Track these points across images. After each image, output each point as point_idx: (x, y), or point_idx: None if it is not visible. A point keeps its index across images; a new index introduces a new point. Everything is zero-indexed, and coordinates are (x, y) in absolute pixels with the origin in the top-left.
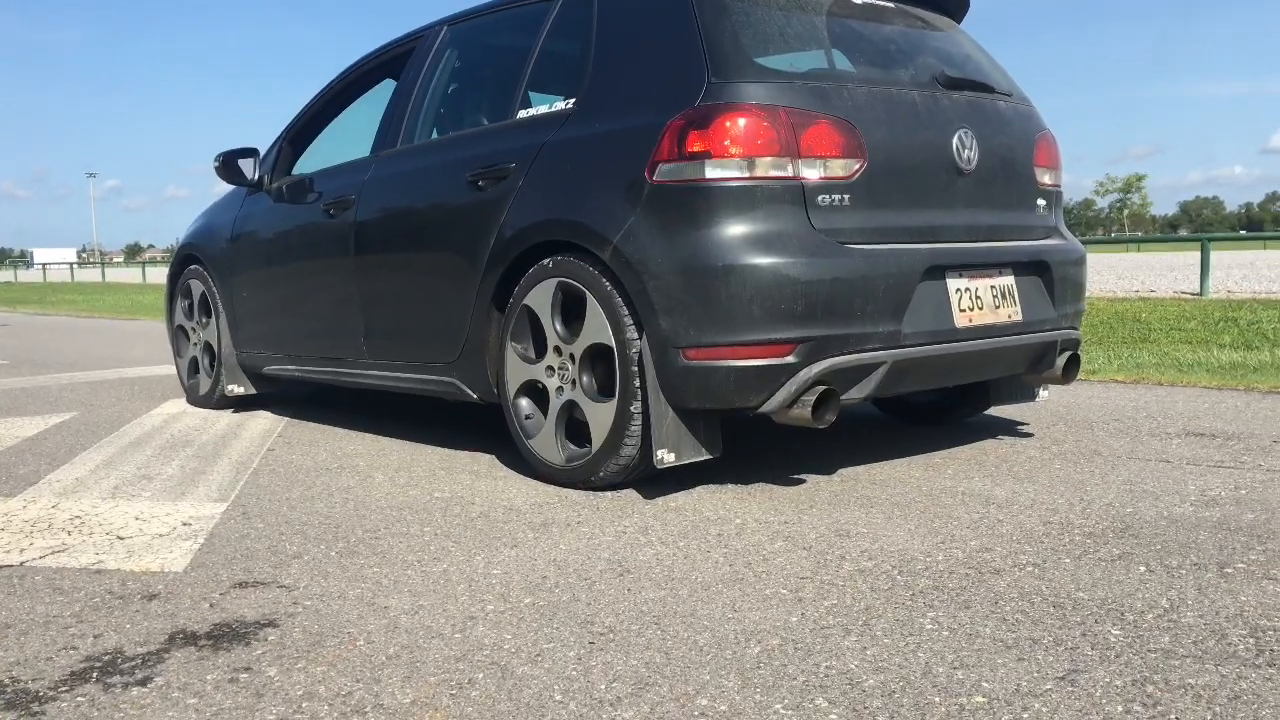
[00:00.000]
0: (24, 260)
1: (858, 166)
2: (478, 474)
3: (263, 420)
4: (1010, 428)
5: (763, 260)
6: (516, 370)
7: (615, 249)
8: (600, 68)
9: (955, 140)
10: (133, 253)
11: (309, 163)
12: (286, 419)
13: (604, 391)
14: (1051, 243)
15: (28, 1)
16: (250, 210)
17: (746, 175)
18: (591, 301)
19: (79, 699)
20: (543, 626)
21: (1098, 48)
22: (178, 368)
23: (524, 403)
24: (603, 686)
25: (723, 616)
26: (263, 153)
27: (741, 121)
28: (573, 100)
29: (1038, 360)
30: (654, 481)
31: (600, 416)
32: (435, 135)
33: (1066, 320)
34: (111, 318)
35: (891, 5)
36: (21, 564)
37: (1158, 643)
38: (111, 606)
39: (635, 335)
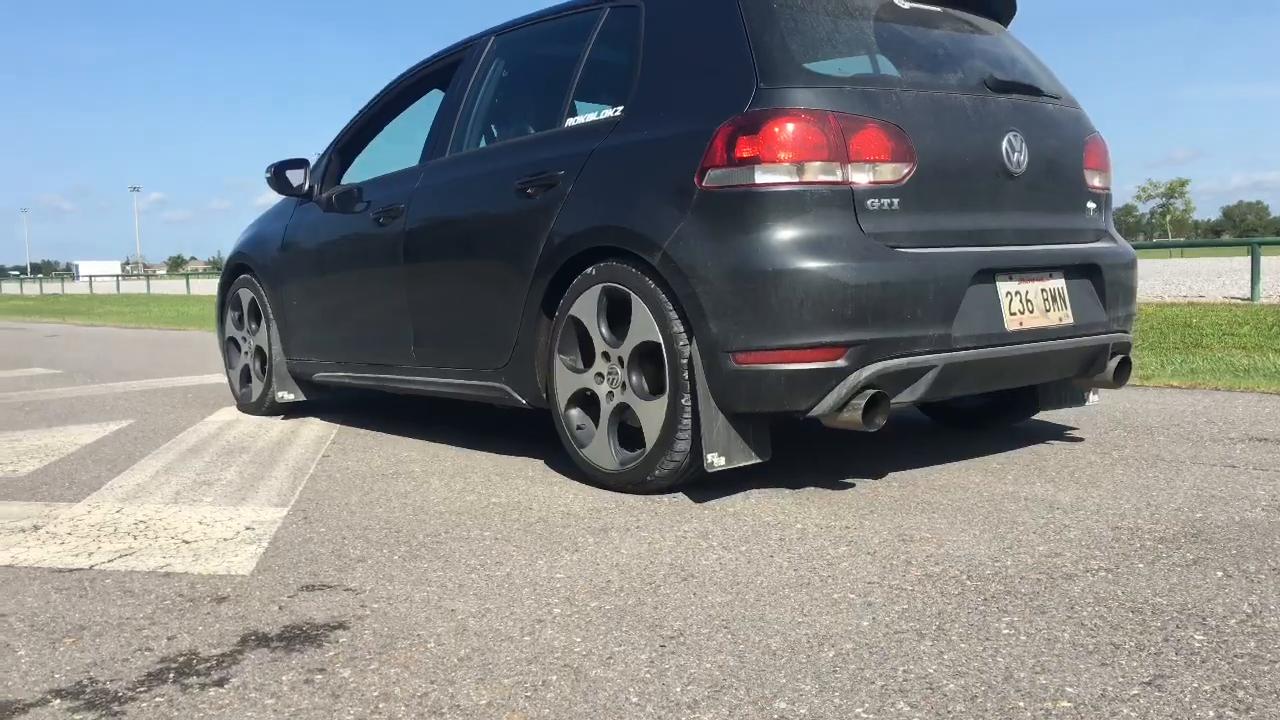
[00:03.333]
0: (69, 272)
1: (907, 170)
2: (532, 479)
3: (315, 427)
4: (1066, 433)
5: (812, 264)
6: (566, 381)
7: (665, 254)
8: (648, 75)
9: (1005, 143)
10: (175, 265)
11: (358, 173)
12: (339, 425)
13: (655, 390)
14: (1102, 245)
15: (71, 19)
16: (300, 220)
17: (796, 180)
18: (637, 302)
19: (158, 699)
20: (611, 630)
21: (1136, 48)
22: (229, 379)
23: (575, 413)
24: (678, 689)
25: (792, 621)
26: (313, 163)
27: (790, 127)
28: (621, 108)
29: (1089, 364)
30: (709, 486)
31: (652, 414)
32: (484, 144)
33: (1118, 324)
34: (159, 328)
35: (938, 9)
36: (91, 567)
37: (1244, 648)
38: (182, 609)
39: (685, 338)
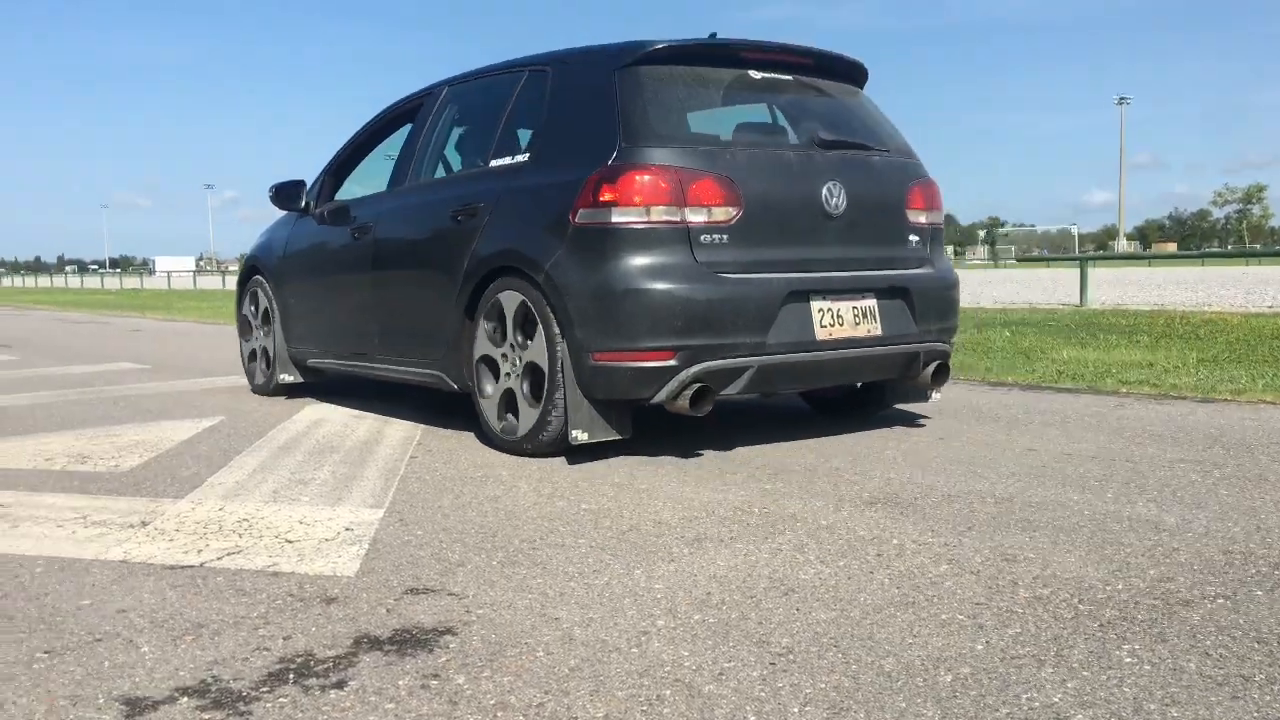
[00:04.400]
0: (146, 267)
1: (735, 213)
2: (619, 486)
3: (399, 428)
4: (1162, 447)
5: (653, 286)
6: (510, 350)
7: (547, 274)
8: (548, 129)
9: (824, 190)
10: None
11: (346, 192)
12: (423, 427)
13: (538, 379)
14: (917, 271)
15: (147, 20)
16: (298, 231)
17: (644, 220)
18: (528, 306)
19: (281, 700)
20: (718, 644)
21: (1213, 51)
22: (241, 353)
23: (488, 391)
24: (795, 709)
25: (902, 641)
26: (309, 183)
27: (641, 178)
28: (529, 154)
29: (906, 368)
30: (805, 497)
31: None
32: (435, 175)
33: (930, 336)
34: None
35: (789, 78)
36: (201, 564)
37: None
38: (294, 609)
39: (559, 337)
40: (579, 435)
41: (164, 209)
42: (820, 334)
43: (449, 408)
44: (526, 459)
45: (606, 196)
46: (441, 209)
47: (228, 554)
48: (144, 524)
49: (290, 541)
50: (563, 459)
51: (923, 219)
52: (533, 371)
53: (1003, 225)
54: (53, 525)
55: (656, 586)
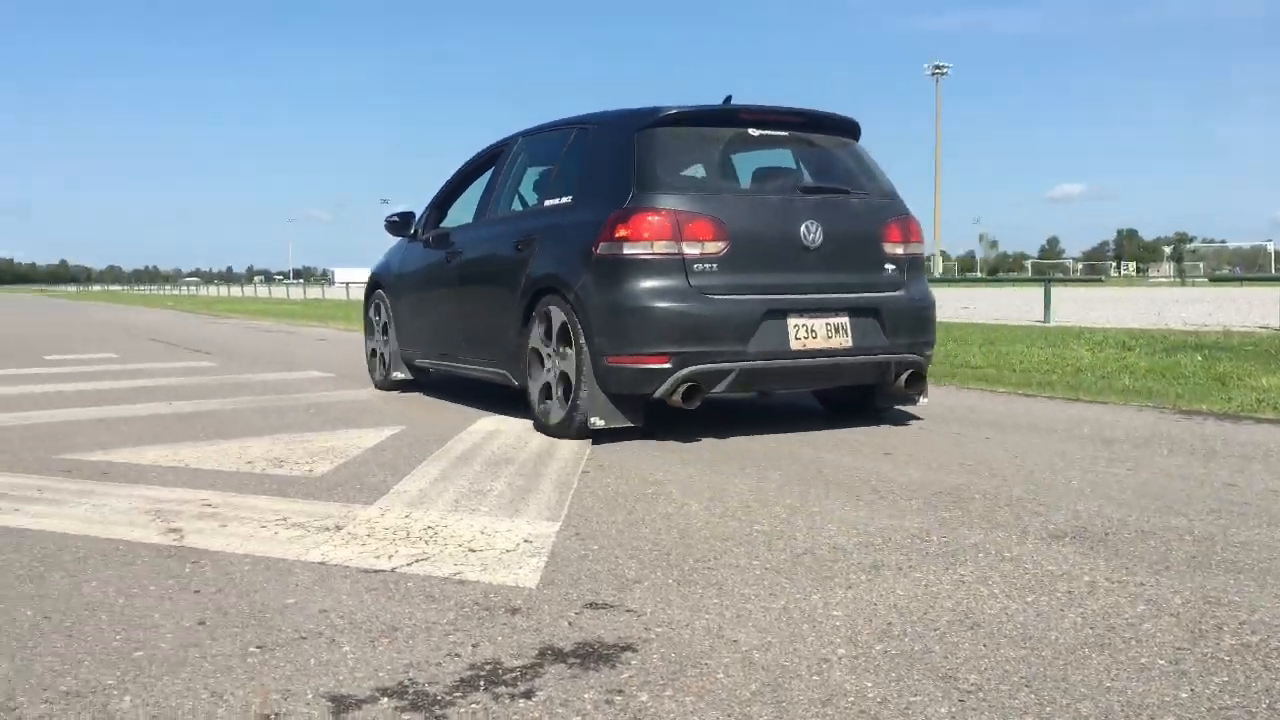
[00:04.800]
0: (326, 278)
1: (722, 246)
2: (791, 509)
3: (570, 444)
4: None
5: (654, 304)
6: (551, 353)
7: (575, 294)
8: (583, 177)
9: (803, 228)
10: None
11: (449, 221)
12: (590, 444)
13: (566, 375)
14: (890, 294)
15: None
16: (409, 254)
17: (649, 252)
18: (563, 319)
19: (473, 705)
20: (902, 677)
21: None
22: (365, 352)
23: (539, 372)
24: None
25: (1099, 685)
26: (418, 214)
27: (648, 219)
28: (570, 197)
29: (881, 375)
30: (986, 527)
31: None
32: (510, 209)
33: (901, 348)
34: None
35: (785, 134)
36: (392, 569)
37: None
38: (480, 617)
39: (584, 344)
40: (596, 422)
41: (344, 223)
42: (795, 344)
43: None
44: (695, 478)
45: (621, 233)
46: (508, 239)
47: (416, 560)
48: (338, 528)
49: (473, 551)
50: (734, 478)
51: (899, 250)
52: (563, 374)
53: (1191, 240)
54: (256, 525)
55: (835, 613)
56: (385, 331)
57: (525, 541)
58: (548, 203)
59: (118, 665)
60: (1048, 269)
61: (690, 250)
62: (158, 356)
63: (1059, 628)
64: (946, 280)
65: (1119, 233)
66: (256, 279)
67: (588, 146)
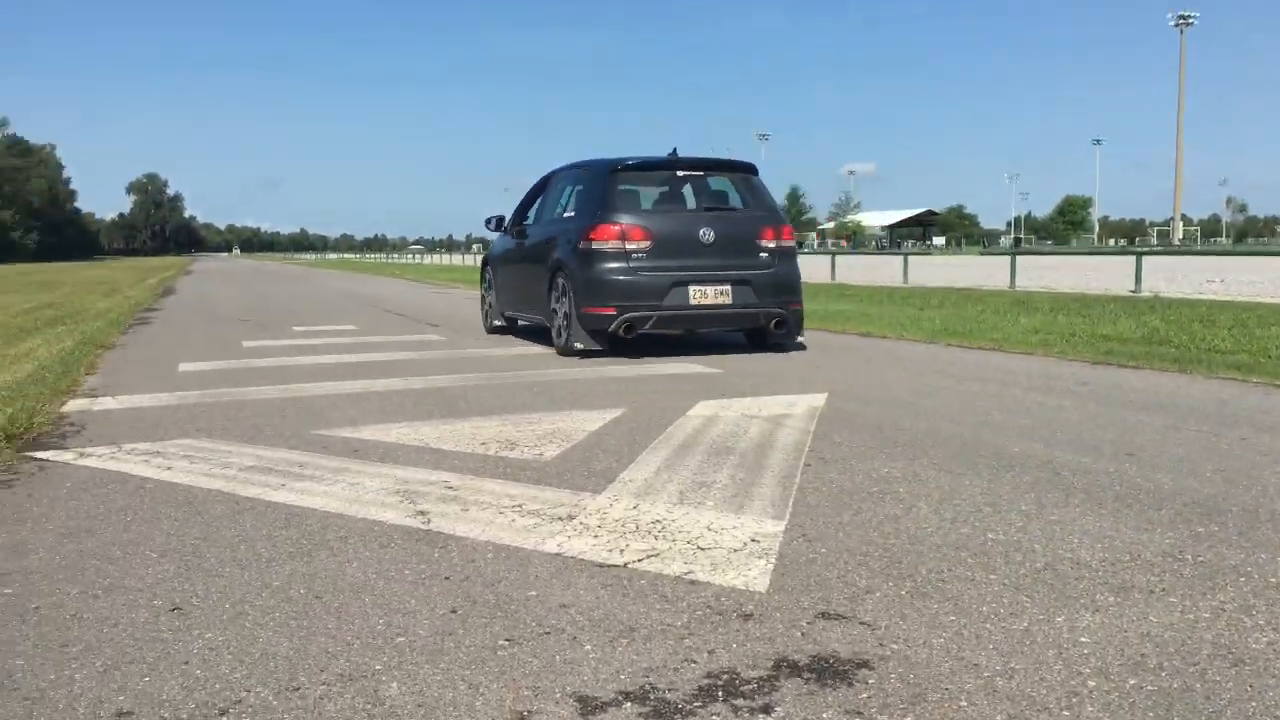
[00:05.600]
0: None
1: (648, 243)
2: (1027, 515)
3: (789, 432)
4: None
5: (609, 278)
6: (558, 304)
7: (569, 270)
8: (579, 200)
9: (700, 231)
10: None
11: (526, 222)
12: (812, 432)
13: (565, 316)
14: (759, 271)
15: (552, 22)
16: (501, 242)
17: (605, 248)
18: (565, 285)
19: (713, 717)
20: (1160, 719)
21: None
22: (481, 307)
23: (555, 323)
24: None
25: None
26: (507, 216)
27: (608, 229)
28: (573, 212)
29: (755, 321)
30: (1246, 547)
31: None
32: (551, 216)
33: (769, 304)
34: None
35: (701, 174)
36: (625, 565)
37: None
38: (714, 622)
39: (573, 300)
40: (578, 345)
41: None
42: (694, 301)
43: (831, 414)
44: (922, 476)
45: (592, 236)
46: (544, 236)
47: (647, 556)
48: (570, 517)
49: (702, 549)
50: (964, 478)
51: (771, 244)
52: (565, 316)
53: None
54: (494, 511)
55: (1083, 640)
56: (489, 292)
57: (752, 540)
58: (563, 215)
59: (383, 650)
60: None
61: (630, 246)
62: (391, 329)
63: None
64: (1182, 251)
65: None
66: (475, 247)
67: (584, 180)
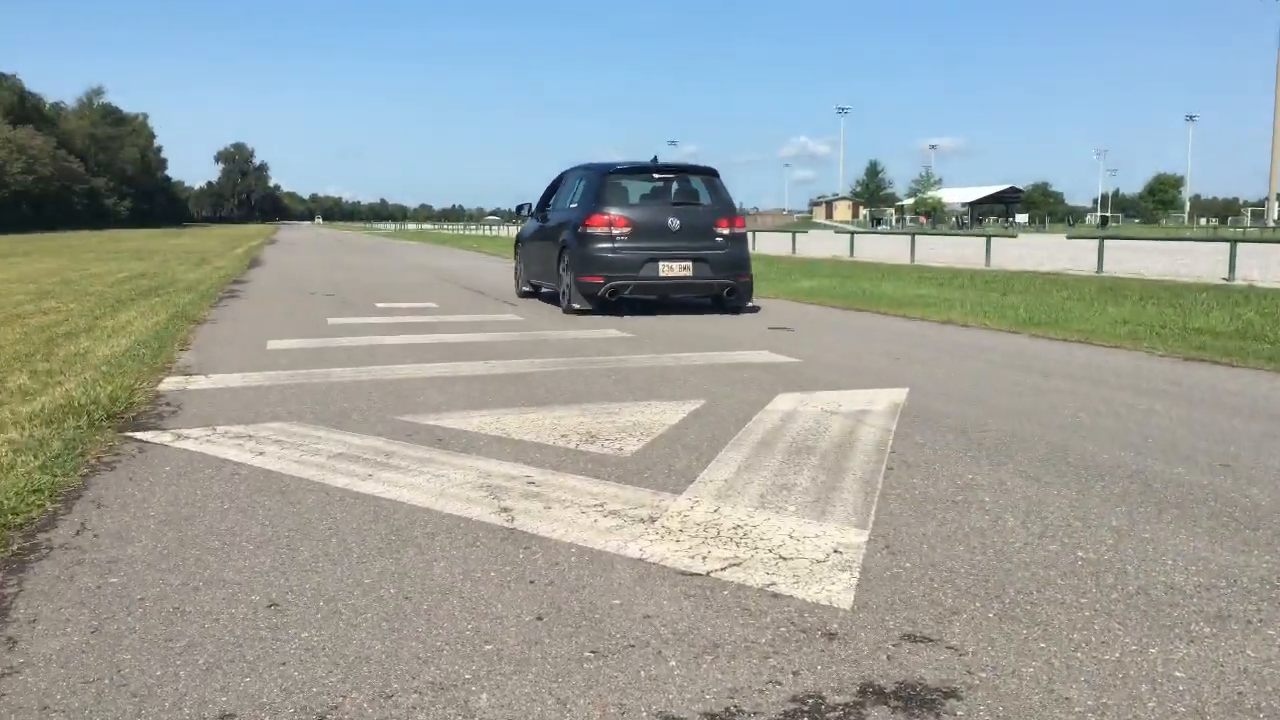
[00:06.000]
0: None
1: (629, 229)
2: (1119, 532)
3: (870, 430)
4: None
5: (598, 255)
6: (564, 275)
7: (570, 249)
8: (581, 194)
9: (669, 220)
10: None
11: (547, 209)
12: (894, 431)
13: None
14: (715, 251)
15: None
16: (529, 225)
17: (596, 232)
18: (567, 260)
19: None
20: None
21: None
22: (514, 277)
23: (563, 290)
24: None
25: None
26: (534, 203)
27: (600, 218)
28: (577, 204)
29: (710, 289)
30: None
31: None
32: (563, 206)
33: (723, 277)
34: None
35: (673, 175)
36: (707, 574)
37: None
38: (798, 640)
39: (571, 271)
40: (575, 305)
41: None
42: (663, 273)
43: (913, 413)
44: (1008, 484)
45: (587, 223)
46: (556, 221)
47: (729, 565)
48: (652, 519)
49: (784, 559)
50: (1051, 488)
51: (725, 231)
52: (567, 285)
53: None
54: (576, 510)
55: (1177, 674)
56: (519, 264)
57: (835, 552)
58: (570, 205)
59: (472, 658)
60: None
61: (614, 231)
62: (471, 307)
63: None
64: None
65: None
66: None
67: (587, 179)
